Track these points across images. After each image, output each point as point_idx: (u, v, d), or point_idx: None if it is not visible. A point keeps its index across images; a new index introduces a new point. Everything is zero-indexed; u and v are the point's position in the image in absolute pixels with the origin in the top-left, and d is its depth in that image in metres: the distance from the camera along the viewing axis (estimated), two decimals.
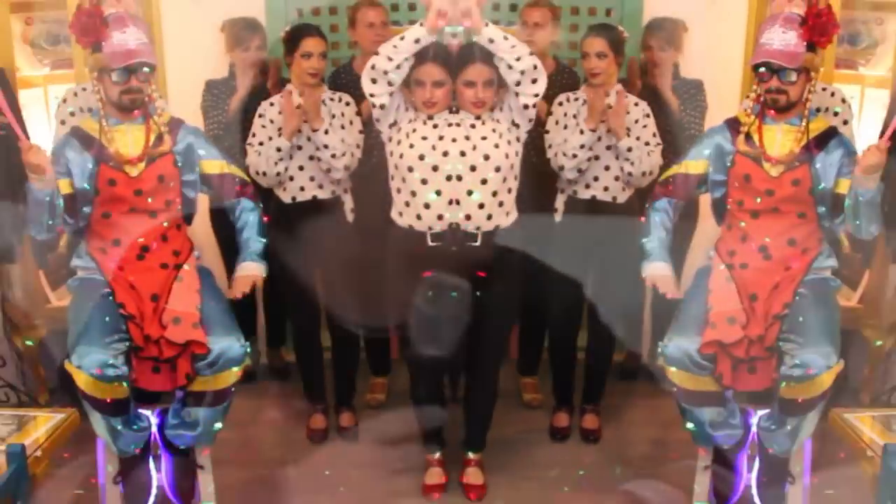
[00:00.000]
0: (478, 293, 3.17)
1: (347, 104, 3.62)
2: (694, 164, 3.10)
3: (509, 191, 3.16)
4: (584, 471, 3.57)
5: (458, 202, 3.08)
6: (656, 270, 3.09)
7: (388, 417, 3.96)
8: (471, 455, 3.47)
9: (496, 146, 3.10)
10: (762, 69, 2.91)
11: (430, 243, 3.14)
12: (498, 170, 3.09)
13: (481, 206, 3.09)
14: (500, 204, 3.14)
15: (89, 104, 3.46)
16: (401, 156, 3.12)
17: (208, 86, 3.95)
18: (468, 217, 3.09)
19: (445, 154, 3.07)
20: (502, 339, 3.45)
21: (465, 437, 3.50)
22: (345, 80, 3.84)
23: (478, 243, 3.12)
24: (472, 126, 3.13)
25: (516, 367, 4.20)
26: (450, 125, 3.14)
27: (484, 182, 3.08)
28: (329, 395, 3.90)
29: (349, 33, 3.90)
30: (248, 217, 3.16)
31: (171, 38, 4.17)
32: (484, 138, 3.10)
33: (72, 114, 3.49)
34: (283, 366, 4.37)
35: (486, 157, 3.08)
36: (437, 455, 3.50)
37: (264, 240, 3.16)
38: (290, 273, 3.65)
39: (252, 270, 3.13)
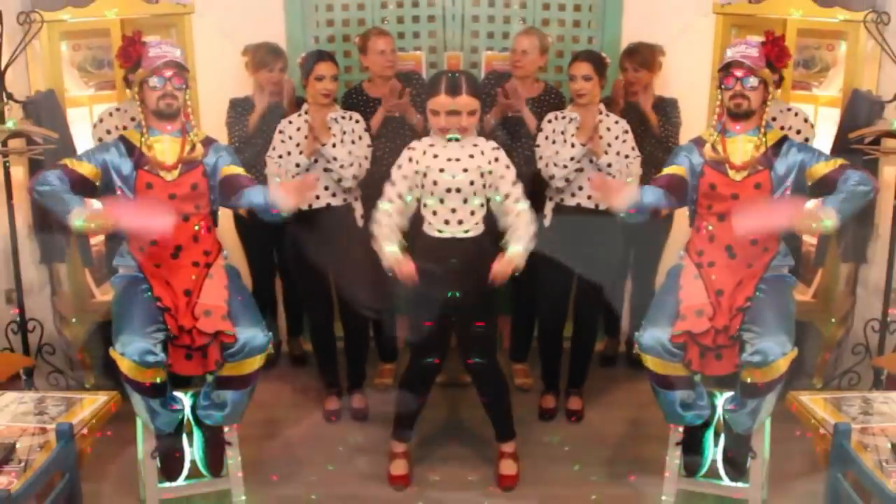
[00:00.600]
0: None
1: (357, 121, 3.63)
2: (673, 168, 3.11)
3: (472, 212, 3.14)
4: (568, 446, 3.59)
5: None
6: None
7: (394, 399, 3.94)
8: (504, 447, 3.36)
9: (464, 170, 3.09)
10: (727, 76, 2.94)
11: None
12: (458, 191, 3.09)
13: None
14: (460, 222, 3.12)
15: (124, 122, 3.48)
16: (434, 182, 3.11)
17: (232, 104, 3.95)
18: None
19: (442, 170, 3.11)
20: (485, 334, 3.28)
21: (495, 431, 3.38)
22: (356, 100, 3.85)
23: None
24: (445, 147, 3.14)
25: (509, 355, 4.20)
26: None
27: (441, 201, 3.11)
28: (342, 380, 3.91)
29: (361, 59, 3.91)
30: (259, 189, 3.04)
31: (201, 63, 4.19)
32: (457, 160, 3.11)
33: (108, 132, 3.51)
34: (301, 353, 4.37)
35: (453, 176, 3.09)
36: (403, 448, 3.40)
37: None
38: (306, 272, 3.66)
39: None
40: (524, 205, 3.12)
